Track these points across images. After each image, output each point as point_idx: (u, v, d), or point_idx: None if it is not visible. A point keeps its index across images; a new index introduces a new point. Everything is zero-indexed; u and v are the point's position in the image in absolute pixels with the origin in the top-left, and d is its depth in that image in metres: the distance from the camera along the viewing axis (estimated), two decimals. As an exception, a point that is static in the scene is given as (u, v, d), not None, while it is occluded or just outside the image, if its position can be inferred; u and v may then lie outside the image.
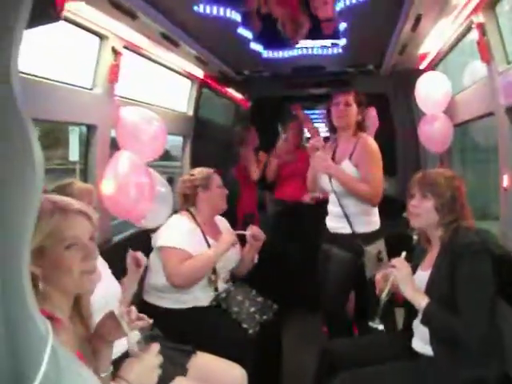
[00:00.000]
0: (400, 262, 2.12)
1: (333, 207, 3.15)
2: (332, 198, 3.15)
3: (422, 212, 2.16)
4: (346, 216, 3.03)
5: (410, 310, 2.22)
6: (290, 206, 4.49)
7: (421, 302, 2.01)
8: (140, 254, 2.37)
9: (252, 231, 2.97)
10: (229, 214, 3.22)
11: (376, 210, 3.10)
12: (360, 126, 3.11)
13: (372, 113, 4.07)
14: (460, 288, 1.96)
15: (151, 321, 1.57)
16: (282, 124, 4.87)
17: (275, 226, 4.56)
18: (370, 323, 2.21)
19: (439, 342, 2.04)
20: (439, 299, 2.00)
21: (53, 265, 1.31)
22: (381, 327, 2.19)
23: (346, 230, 3.03)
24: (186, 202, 2.95)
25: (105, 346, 1.49)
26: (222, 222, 3.13)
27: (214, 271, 2.77)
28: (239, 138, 4.66)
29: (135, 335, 1.46)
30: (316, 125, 4.73)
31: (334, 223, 3.13)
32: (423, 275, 2.14)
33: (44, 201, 1.31)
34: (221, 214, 3.13)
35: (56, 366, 0.85)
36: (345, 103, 3.06)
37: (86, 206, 1.44)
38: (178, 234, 2.76)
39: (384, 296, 2.15)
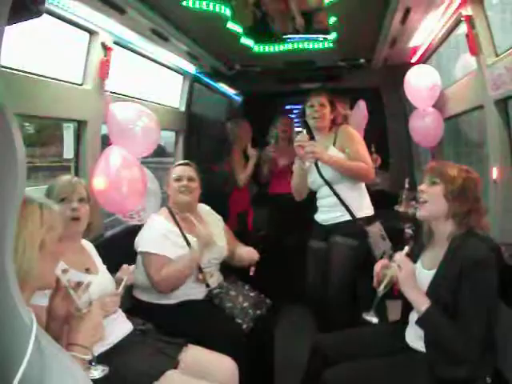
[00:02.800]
0: (403, 262, 2.02)
1: (325, 199, 3.18)
2: (322, 191, 3.18)
3: (430, 198, 2.06)
4: (343, 203, 3.08)
5: (407, 304, 2.13)
6: (284, 200, 4.48)
7: (421, 305, 1.95)
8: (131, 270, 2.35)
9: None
10: (222, 210, 3.22)
11: (367, 194, 3.20)
12: (334, 124, 3.21)
13: (362, 106, 4.08)
14: (464, 299, 1.89)
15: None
16: (274, 119, 4.85)
17: (270, 221, 4.57)
18: (364, 315, 2.15)
19: (432, 344, 2.01)
20: (438, 301, 1.94)
21: None
22: (375, 320, 2.12)
23: (346, 216, 3.09)
24: (167, 197, 2.94)
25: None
26: (210, 215, 3.08)
27: (201, 270, 2.75)
28: (232, 134, 4.66)
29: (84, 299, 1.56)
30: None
31: (330, 214, 3.16)
32: (426, 274, 2.07)
33: None
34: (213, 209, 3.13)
35: (40, 354, 0.86)
36: (319, 104, 3.15)
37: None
38: (155, 237, 2.70)
39: (382, 289, 2.08)
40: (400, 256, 2.05)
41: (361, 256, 3.03)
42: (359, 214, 3.09)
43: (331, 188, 3.11)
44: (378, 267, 2.14)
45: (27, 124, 6.34)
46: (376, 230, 3.06)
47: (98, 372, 1.64)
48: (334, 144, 3.11)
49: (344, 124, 3.24)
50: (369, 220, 3.10)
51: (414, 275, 2.03)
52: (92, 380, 1.48)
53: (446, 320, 1.91)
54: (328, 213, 3.18)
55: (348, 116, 3.85)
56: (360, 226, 3.05)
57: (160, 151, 6.25)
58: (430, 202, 2.06)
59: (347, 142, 3.07)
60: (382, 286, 2.08)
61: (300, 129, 3.42)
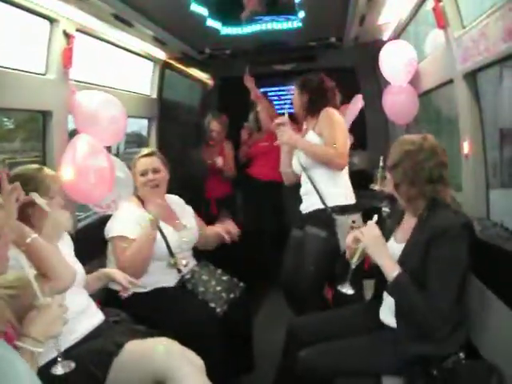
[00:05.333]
0: (367, 227, 2.06)
1: (303, 186, 3.13)
2: (302, 177, 3.14)
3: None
4: (316, 190, 3.01)
5: (381, 280, 2.15)
6: (265, 185, 4.47)
7: (392, 270, 1.96)
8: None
9: (227, 228, 2.98)
10: (198, 196, 3.19)
11: (348, 183, 3.08)
12: (309, 108, 3.12)
13: (358, 101, 4.01)
14: (432, 268, 1.92)
15: None
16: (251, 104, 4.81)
17: (248, 205, 4.57)
18: (339, 287, 2.15)
19: (402, 315, 2.03)
20: (408, 271, 1.96)
21: None
22: (350, 292, 2.12)
23: (319, 205, 3.01)
24: (135, 187, 2.92)
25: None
26: (179, 204, 3.10)
27: (172, 254, 2.74)
28: (209, 129, 4.63)
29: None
30: (285, 101, 4.69)
31: (307, 202, 3.11)
32: (397, 247, 2.10)
33: None
34: (190, 197, 3.11)
35: None
36: (292, 92, 3.17)
37: None
38: (124, 222, 2.71)
39: (355, 260, 2.09)
40: (367, 225, 2.08)
41: (332, 246, 2.95)
42: (331, 203, 2.98)
43: (307, 174, 3.06)
44: (349, 239, 2.13)
45: (6, 119, 6.25)
46: (347, 221, 2.87)
47: (64, 368, 1.62)
48: (314, 127, 3.04)
49: (329, 106, 3.07)
50: (343, 209, 2.97)
51: (382, 240, 2.04)
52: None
53: (415, 288, 1.92)
54: (305, 201, 3.14)
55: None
56: (329, 215, 2.96)
57: (141, 141, 6.20)
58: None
59: (324, 125, 2.96)
60: (354, 258, 2.09)
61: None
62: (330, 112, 2.99)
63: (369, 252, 2.04)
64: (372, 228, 2.05)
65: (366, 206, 3.14)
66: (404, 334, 2.00)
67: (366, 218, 2.24)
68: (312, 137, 3.01)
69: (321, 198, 2.99)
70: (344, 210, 2.97)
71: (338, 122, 2.97)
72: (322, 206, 3.00)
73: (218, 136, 4.60)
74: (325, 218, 2.97)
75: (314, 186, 3.02)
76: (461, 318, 2.01)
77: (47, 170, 2.13)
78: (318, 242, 2.98)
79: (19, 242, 1.66)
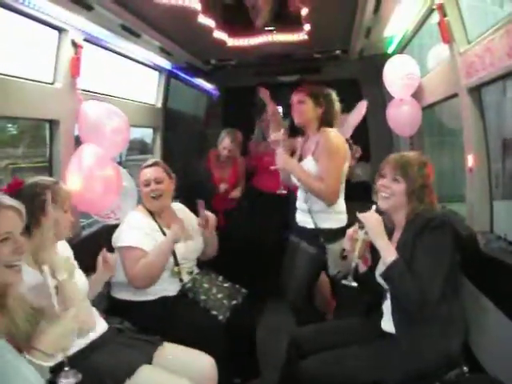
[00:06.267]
0: (369, 214, 2.14)
1: (300, 202, 3.14)
2: (299, 193, 3.14)
3: (392, 195, 2.18)
4: (310, 211, 3.02)
5: (379, 293, 2.26)
6: (266, 196, 4.47)
7: (390, 255, 2.04)
8: (110, 255, 2.36)
9: (203, 218, 2.92)
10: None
11: (342, 207, 3.07)
12: (324, 120, 3.05)
13: (361, 107, 4.03)
14: (418, 258, 2.01)
15: None
16: (256, 115, 4.82)
17: (250, 215, 4.57)
18: (343, 281, 2.23)
19: (400, 318, 2.08)
20: None
21: None
22: (354, 284, 2.20)
23: (310, 224, 3.03)
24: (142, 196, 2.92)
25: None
26: (181, 211, 3.09)
27: (177, 263, 2.75)
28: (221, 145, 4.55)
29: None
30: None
31: (301, 217, 3.13)
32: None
33: None
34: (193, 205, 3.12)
35: None
36: (297, 101, 3.08)
37: (16, 202, 1.44)
38: (132, 232, 2.71)
39: (356, 253, 2.18)
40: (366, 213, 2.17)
41: (317, 266, 3.05)
42: (322, 225, 2.99)
43: (304, 194, 3.06)
44: (349, 232, 2.23)
45: (10, 125, 6.28)
46: (337, 248, 2.85)
47: (69, 380, 1.60)
48: (313, 152, 2.98)
49: (331, 128, 3.04)
50: (335, 232, 2.96)
51: (382, 224, 2.12)
52: None
53: (410, 276, 1.99)
54: (300, 215, 3.15)
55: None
56: (320, 239, 2.98)
57: (144, 149, 6.22)
58: (392, 197, 2.18)
59: (321, 154, 2.91)
60: (356, 252, 2.18)
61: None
62: (330, 137, 2.94)
63: (370, 234, 2.12)
64: (373, 213, 2.15)
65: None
66: (404, 337, 2.05)
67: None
68: (309, 163, 2.98)
69: (312, 219, 3.02)
70: (334, 233, 2.97)
71: (334, 150, 2.91)
72: (312, 226, 3.03)
73: (230, 154, 4.50)
74: (316, 239, 3.00)
75: (308, 207, 3.03)
76: (459, 325, 2.05)
77: (62, 184, 2.14)
78: (310, 258, 3.03)
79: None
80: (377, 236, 2.10)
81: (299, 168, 2.98)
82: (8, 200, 1.43)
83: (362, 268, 2.29)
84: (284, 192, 3.11)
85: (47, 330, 1.44)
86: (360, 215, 2.15)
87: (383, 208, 2.21)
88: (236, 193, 4.57)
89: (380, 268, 2.15)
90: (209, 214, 2.96)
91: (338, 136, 2.99)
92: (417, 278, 1.96)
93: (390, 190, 2.17)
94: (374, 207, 2.18)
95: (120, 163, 4.25)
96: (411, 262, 2.01)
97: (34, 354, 1.37)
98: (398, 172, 2.17)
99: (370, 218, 2.12)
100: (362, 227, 2.16)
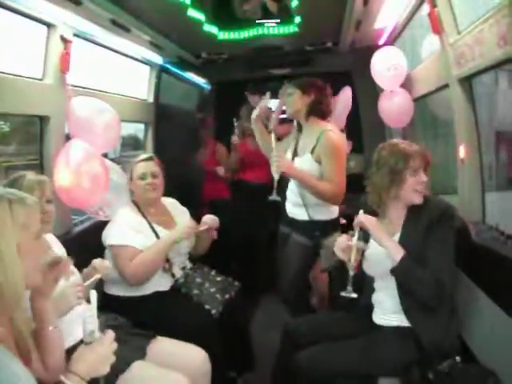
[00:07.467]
0: (368, 219, 2.10)
1: (291, 195, 3.11)
2: (291, 186, 3.12)
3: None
4: (305, 205, 3.01)
5: (367, 287, 2.28)
6: (258, 187, 4.46)
7: (397, 253, 2.03)
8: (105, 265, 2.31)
9: (207, 225, 2.86)
10: (194, 199, 3.18)
11: None
12: (314, 109, 3.01)
13: (347, 93, 4.03)
14: (433, 247, 2.02)
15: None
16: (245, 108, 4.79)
17: (240, 208, 4.56)
18: (342, 293, 2.12)
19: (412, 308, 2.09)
20: None
21: None
22: (354, 295, 2.09)
23: (304, 216, 3.02)
24: (131, 193, 2.89)
25: (44, 301, 1.55)
26: (176, 207, 3.05)
27: (167, 260, 2.73)
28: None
29: (91, 324, 1.42)
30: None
31: (292, 209, 3.12)
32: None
33: None
34: (185, 200, 3.10)
35: None
36: (286, 94, 3.07)
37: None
38: (123, 229, 2.68)
39: (352, 262, 2.08)
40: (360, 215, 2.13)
41: (310, 258, 3.07)
42: (317, 217, 3.00)
43: (297, 188, 3.03)
44: (342, 243, 2.12)
45: (2, 122, 6.23)
46: (331, 244, 2.77)
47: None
48: (313, 149, 2.93)
49: (327, 111, 3.03)
50: (328, 224, 3.00)
51: (380, 225, 2.11)
52: None
53: (420, 269, 2.01)
54: (291, 207, 3.13)
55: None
56: (315, 232, 2.99)
57: (137, 144, 6.19)
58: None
59: (324, 154, 2.87)
60: (352, 260, 2.08)
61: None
62: (331, 137, 2.90)
63: (374, 236, 2.10)
64: (367, 216, 2.11)
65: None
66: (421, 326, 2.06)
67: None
68: (309, 161, 2.93)
69: (307, 211, 3.01)
70: (327, 224, 3.01)
71: (337, 150, 2.89)
72: (306, 218, 3.02)
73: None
74: (310, 231, 3.00)
75: (302, 202, 3.02)
76: (457, 316, 2.09)
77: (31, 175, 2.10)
78: (302, 249, 3.04)
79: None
80: (382, 237, 2.07)
81: (303, 174, 2.90)
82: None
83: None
84: (278, 199, 2.96)
85: (86, 355, 1.38)
86: (363, 221, 2.09)
87: (419, 203, 2.13)
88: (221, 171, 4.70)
89: (373, 263, 2.18)
90: (209, 218, 2.92)
91: (338, 135, 2.98)
92: (430, 266, 1.99)
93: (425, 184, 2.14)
94: (361, 211, 2.12)
95: (114, 159, 4.23)
96: (423, 250, 2.03)
97: (71, 379, 1.32)
98: (379, 160, 2.18)
99: (371, 221, 2.10)
100: (353, 235, 2.09)
